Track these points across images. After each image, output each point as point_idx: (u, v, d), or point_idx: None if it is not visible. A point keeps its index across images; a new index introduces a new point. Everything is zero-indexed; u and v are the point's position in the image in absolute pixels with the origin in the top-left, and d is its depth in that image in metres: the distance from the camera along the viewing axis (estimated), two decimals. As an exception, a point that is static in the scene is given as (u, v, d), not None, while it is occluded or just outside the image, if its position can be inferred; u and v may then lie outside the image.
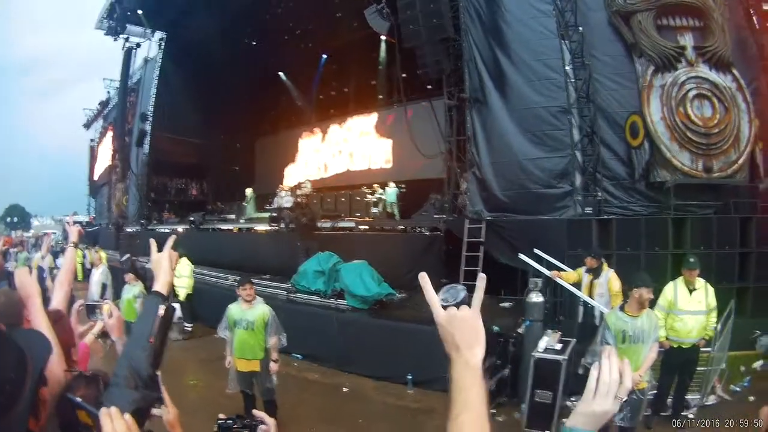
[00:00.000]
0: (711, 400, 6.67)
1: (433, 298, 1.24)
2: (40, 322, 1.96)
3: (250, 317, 6.23)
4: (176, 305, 11.65)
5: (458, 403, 1.15)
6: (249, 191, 19.80)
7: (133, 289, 8.53)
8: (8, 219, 69.16)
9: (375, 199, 15.72)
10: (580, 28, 9.52)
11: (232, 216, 19.11)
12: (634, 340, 4.92)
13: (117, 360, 1.74)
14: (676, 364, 6.11)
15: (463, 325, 1.21)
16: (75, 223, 3.68)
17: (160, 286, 1.92)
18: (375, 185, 16.14)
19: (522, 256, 8.03)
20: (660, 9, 9.32)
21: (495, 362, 7.20)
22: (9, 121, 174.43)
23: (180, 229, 17.98)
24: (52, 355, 1.57)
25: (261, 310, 6.28)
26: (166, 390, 2.06)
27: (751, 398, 6.69)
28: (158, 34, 21.97)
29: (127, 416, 1.09)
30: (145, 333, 1.73)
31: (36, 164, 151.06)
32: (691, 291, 6.10)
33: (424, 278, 1.26)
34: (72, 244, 3.35)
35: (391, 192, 15.82)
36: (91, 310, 3.13)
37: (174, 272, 2.01)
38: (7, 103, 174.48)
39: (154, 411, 2.01)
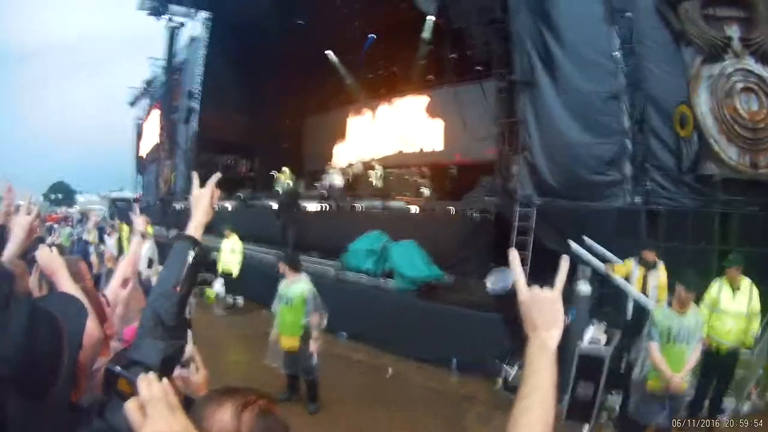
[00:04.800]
0: (746, 406, 6.52)
1: (520, 275, 1.28)
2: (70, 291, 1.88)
3: (290, 293, 6.39)
4: (221, 280, 12.03)
5: (528, 384, 1.18)
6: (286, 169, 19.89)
7: None
8: (52, 196, 70.64)
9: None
10: (629, 14, 9.28)
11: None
12: (679, 340, 4.88)
13: (142, 311, 1.69)
14: (715, 366, 6.02)
15: (543, 305, 1.24)
16: (141, 213, 3.68)
17: (193, 228, 1.81)
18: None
19: (572, 244, 8.00)
20: (706, -2, 9.09)
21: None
22: (57, 99, 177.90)
23: (228, 205, 18.36)
24: (88, 320, 1.52)
25: (301, 287, 6.40)
26: (199, 354, 2.10)
27: None
28: (202, 14, 21.99)
29: (165, 380, 1.08)
30: (171, 280, 1.66)
31: (82, 142, 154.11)
32: (734, 291, 5.99)
33: (513, 253, 1.34)
34: (139, 235, 3.30)
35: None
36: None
37: (211, 213, 1.91)
38: (54, 82, 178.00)
39: (182, 372, 2.06)
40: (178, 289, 1.65)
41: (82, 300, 1.64)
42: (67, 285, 1.92)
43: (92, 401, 1.49)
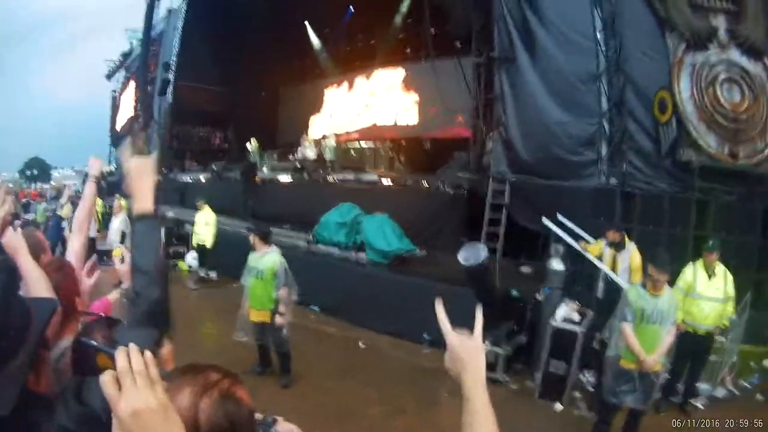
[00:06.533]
0: (720, 391, 6.56)
1: (446, 326, 1.39)
2: (32, 273, 1.87)
3: (261, 266, 6.29)
4: (193, 253, 11.86)
5: (468, 420, 1.28)
6: (253, 141, 19.57)
7: None
8: (27, 172, 69.76)
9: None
10: (613, -4, 9.21)
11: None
12: (653, 320, 4.82)
13: (129, 302, 1.59)
14: (690, 350, 6.01)
15: (470, 351, 1.36)
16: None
17: (147, 205, 1.62)
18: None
19: (545, 221, 7.90)
20: (694, -13, 9.00)
21: (512, 327, 7.24)
22: (30, 76, 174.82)
23: (202, 177, 18.12)
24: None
25: (272, 260, 6.31)
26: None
27: (759, 397, 6.58)
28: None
29: (147, 352, 1.01)
30: (154, 266, 1.57)
31: (57, 117, 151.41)
32: (710, 276, 5.98)
33: (439, 305, 1.41)
34: (93, 179, 2.91)
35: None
36: (101, 256, 2.84)
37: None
38: (27, 58, 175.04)
39: None
40: (164, 272, 1.61)
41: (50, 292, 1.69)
42: (28, 264, 1.90)
43: (62, 386, 1.44)
